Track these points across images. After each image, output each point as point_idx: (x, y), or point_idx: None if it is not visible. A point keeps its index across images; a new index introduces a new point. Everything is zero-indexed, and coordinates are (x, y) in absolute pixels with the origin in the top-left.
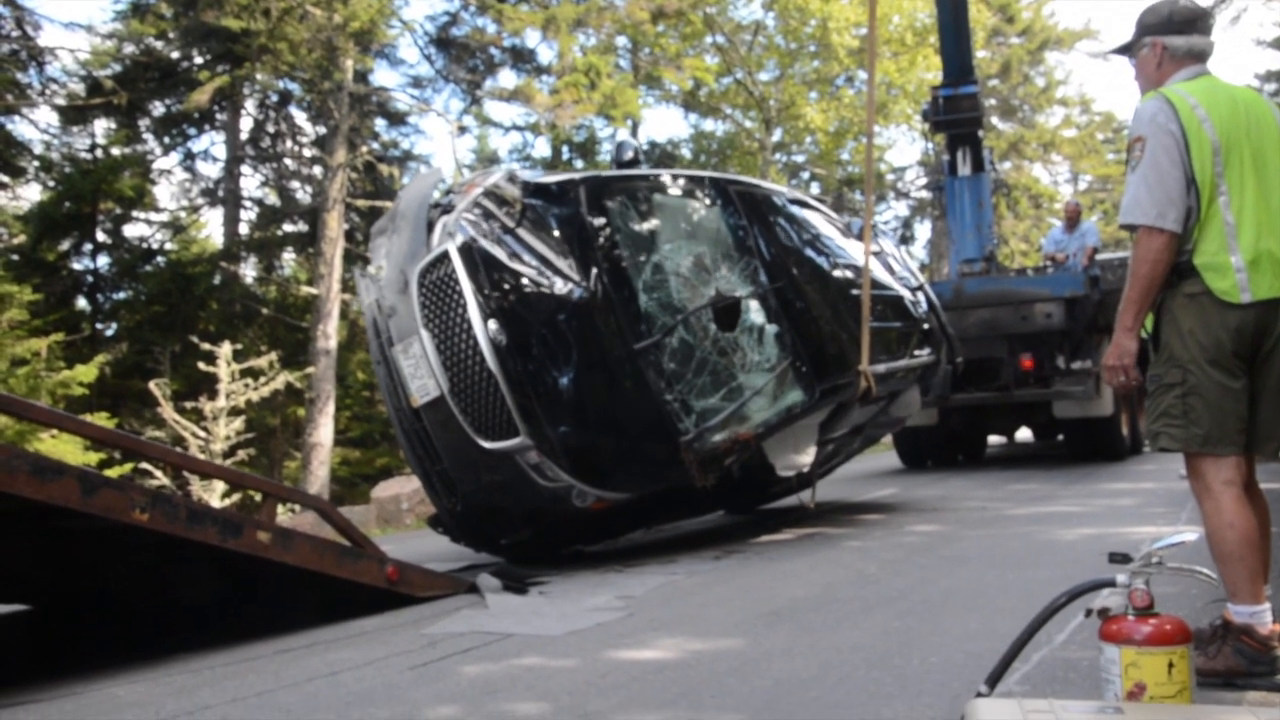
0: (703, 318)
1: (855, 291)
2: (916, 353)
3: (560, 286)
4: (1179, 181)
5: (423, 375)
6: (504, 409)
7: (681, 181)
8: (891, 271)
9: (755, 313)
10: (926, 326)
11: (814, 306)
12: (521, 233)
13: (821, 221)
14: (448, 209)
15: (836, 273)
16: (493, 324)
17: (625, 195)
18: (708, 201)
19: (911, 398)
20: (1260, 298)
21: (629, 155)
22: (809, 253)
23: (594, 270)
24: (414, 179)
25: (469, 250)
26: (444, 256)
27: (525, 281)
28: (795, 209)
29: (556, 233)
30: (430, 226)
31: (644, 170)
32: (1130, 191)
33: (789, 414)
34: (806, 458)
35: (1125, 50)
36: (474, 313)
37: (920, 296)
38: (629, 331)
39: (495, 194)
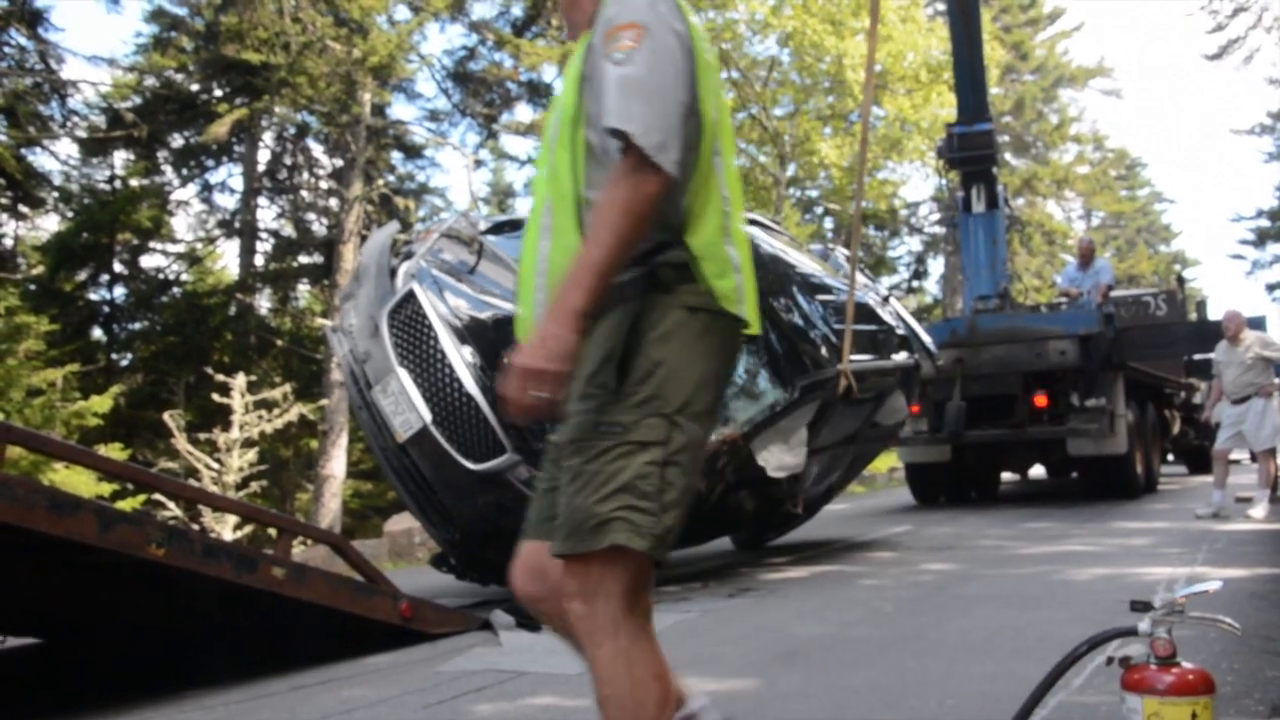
0: None
1: (822, 298)
2: (895, 356)
3: None
4: (681, 107)
5: (404, 410)
6: (488, 429)
7: None
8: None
9: None
10: (901, 333)
11: (779, 309)
12: (483, 265)
13: (780, 238)
14: (408, 256)
15: (799, 280)
16: (466, 350)
17: None
18: None
19: (897, 404)
20: (750, 320)
21: None
22: (771, 262)
23: None
24: (372, 235)
25: (433, 285)
26: (410, 295)
27: (492, 308)
28: (748, 226)
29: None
30: (393, 274)
31: None
32: (615, 91)
33: (772, 412)
34: (797, 459)
35: None
36: (446, 342)
37: (889, 308)
38: None
39: (453, 235)
